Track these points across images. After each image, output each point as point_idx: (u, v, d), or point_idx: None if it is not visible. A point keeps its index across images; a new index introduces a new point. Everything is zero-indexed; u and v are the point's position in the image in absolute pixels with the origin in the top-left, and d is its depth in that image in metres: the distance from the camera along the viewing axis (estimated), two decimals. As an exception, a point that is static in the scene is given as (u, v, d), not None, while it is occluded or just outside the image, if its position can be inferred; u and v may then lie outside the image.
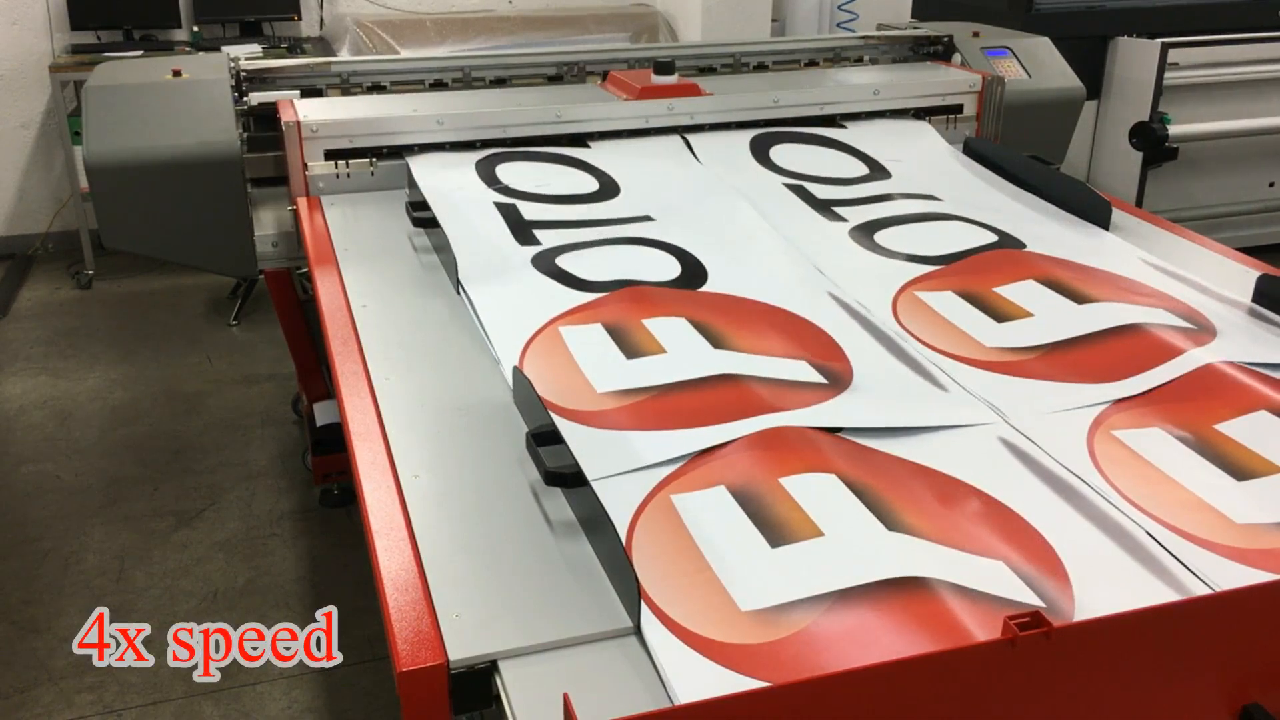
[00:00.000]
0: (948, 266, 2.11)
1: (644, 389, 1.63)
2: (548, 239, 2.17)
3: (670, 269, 2.06)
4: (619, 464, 1.45)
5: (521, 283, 1.98)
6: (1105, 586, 1.25)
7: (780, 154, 2.65)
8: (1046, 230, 2.27)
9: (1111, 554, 1.31)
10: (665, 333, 1.78)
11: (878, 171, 2.60)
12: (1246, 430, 1.54)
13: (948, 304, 1.97)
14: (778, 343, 1.79)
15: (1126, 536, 1.33)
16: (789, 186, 2.49)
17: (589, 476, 1.35)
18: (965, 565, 1.27)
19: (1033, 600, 1.22)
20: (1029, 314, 1.91)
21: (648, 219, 2.29)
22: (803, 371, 1.70)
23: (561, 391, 1.63)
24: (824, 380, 1.68)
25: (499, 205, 2.30)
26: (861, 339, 1.84)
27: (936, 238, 2.24)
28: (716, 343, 1.76)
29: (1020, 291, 1.98)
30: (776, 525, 1.33)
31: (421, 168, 2.43)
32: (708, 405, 1.58)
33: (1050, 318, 1.89)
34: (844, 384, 1.68)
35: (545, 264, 2.06)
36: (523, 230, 2.20)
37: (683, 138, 2.67)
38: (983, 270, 2.08)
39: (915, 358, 1.78)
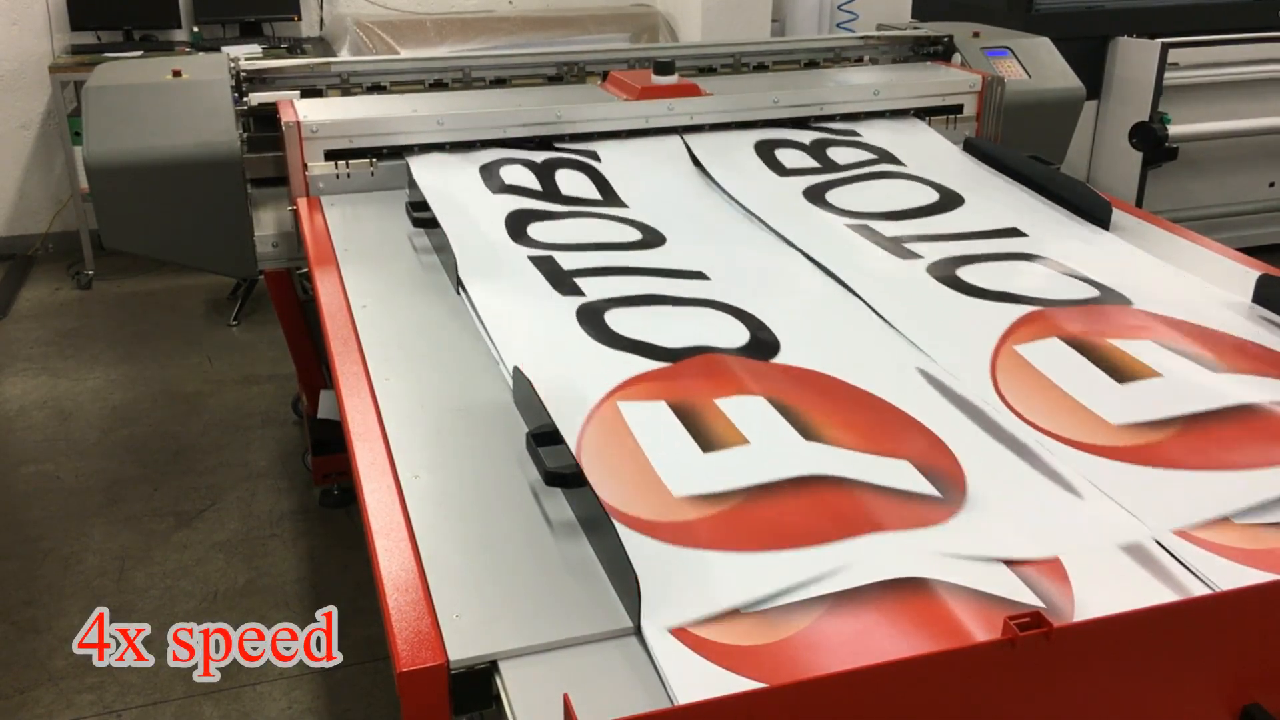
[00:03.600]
0: (1045, 310, 1.87)
1: (728, 494, 1.38)
2: (592, 289, 1.94)
3: (736, 334, 1.81)
4: (709, 601, 1.20)
5: (571, 345, 1.75)
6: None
7: (837, 195, 2.44)
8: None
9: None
10: (745, 417, 1.54)
11: (948, 200, 2.39)
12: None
13: (1056, 361, 1.70)
14: (874, 435, 1.53)
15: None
16: (853, 228, 2.27)
17: (675, 620, 1.17)
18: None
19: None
20: (1156, 373, 1.64)
21: (700, 276, 2.03)
22: (909, 477, 1.43)
23: (631, 495, 1.38)
24: (935, 493, 1.40)
25: (535, 259, 2.07)
26: (965, 429, 1.55)
27: (1021, 277, 2.02)
28: (806, 432, 1.50)
29: (1143, 350, 1.71)
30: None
31: (451, 226, 2.12)
32: (806, 519, 1.33)
33: (1181, 382, 1.62)
34: (957, 498, 1.40)
35: (594, 321, 1.82)
36: (563, 281, 1.97)
37: (704, 170, 2.54)
38: (1090, 319, 1.82)
39: (1035, 451, 1.49)
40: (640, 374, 1.66)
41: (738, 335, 1.80)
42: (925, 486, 1.41)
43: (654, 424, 1.53)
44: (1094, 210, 2.33)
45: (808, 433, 1.50)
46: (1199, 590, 1.24)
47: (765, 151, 2.63)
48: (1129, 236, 2.27)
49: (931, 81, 2.92)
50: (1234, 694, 1.17)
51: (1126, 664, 1.11)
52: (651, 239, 2.21)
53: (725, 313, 1.88)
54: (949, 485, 1.42)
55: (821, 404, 1.59)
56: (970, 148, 2.74)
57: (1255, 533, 1.34)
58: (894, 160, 2.60)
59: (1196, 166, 4.76)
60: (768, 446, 1.47)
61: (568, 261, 2.06)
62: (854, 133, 2.74)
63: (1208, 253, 2.20)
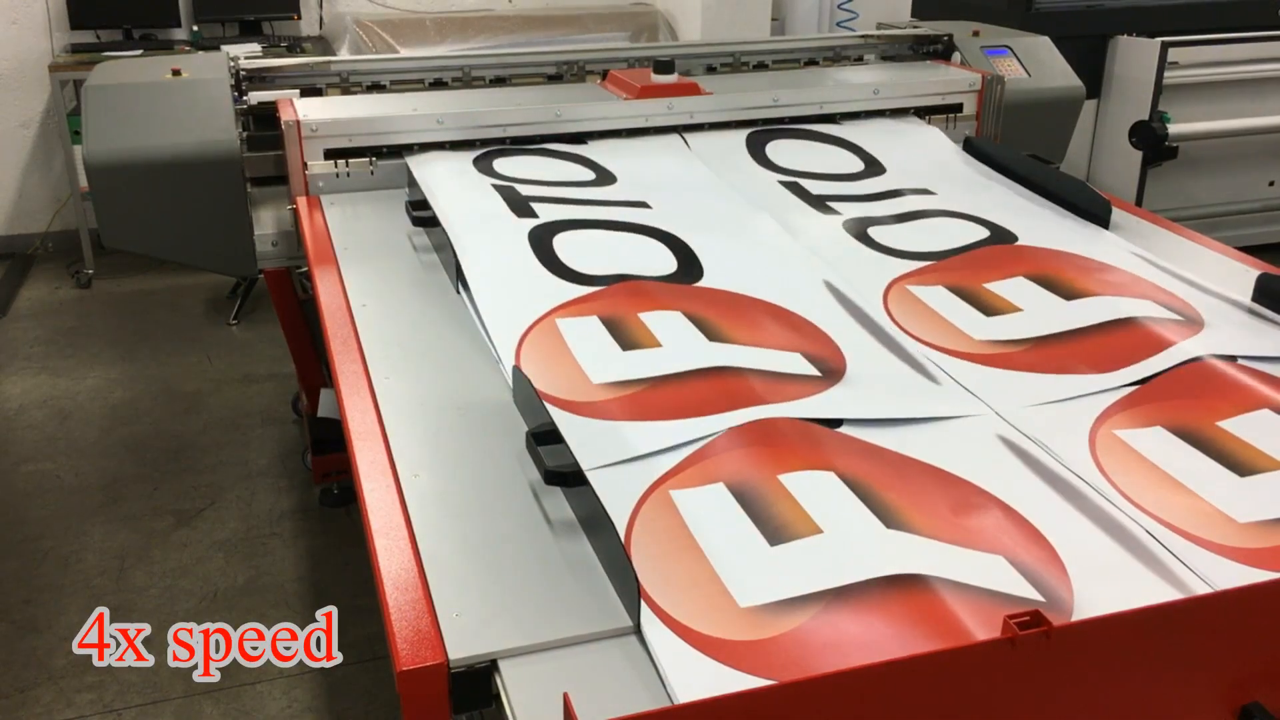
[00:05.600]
0: (940, 262, 2.12)
1: (638, 380, 1.65)
2: (545, 213, 2.21)
3: (667, 263, 2.07)
4: (613, 454, 1.46)
5: (519, 270, 1.99)
6: (1105, 585, 1.25)
7: (776, 151, 2.66)
8: (1046, 229, 2.27)
9: (1112, 552, 1.31)
10: (661, 327, 1.80)
11: (873, 167, 2.61)
12: (1249, 427, 1.53)
13: (938, 299, 1.97)
14: (772, 336, 1.81)
15: (1127, 536, 1.33)
16: (784, 184, 2.50)
17: (584, 466, 1.36)
18: (964, 561, 1.27)
19: (1032, 595, 1.22)
20: (1018, 309, 1.90)
21: (644, 205, 2.31)
22: (796, 364, 1.72)
23: (557, 383, 1.65)
24: (817, 373, 1.70)
25: (497, 187, 2.34)
26: (854, 332, 1.84)
27: (929, 235, 2.23)
28: (712, 336, 1.78)
29: (1010, 288, 1.98)
30: (775, 522, 1.33)
31: (421, 166, 2.44)
32: (701, 397, 1.60)
33: (1039, 313, 1.88)
34: (837, 376, 1.69)
35: (543, 247, 2.07)
36: (520, 206, 2.24)
37: (681, 137, 2.68)
38: (974, 266, 2.08)
39: (908, 350, 1.78)
40: (575, 297, 1.91)
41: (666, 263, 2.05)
42: (809, 369, 1.71)
43: (584, 331, 1.79)
44: (1094, 209, 2.33)
45: (713, 337, 1.77)
46: (1199, 589, 1.24)
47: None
48: (1129, 235, 2.26)
49: (931, 80, 2.92)
50: (1234, 693, 1.17)
51: (1127, 662, 1.11)
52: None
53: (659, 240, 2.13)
54: (830, 368, 1.71)
55: (731, 315, 1.85)
56: (970, 147, 2.74)
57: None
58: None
59: (1196, 165, 4.75)
60: (678, 348, 1.73)
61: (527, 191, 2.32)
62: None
63: (1208, 251, 2.20)
